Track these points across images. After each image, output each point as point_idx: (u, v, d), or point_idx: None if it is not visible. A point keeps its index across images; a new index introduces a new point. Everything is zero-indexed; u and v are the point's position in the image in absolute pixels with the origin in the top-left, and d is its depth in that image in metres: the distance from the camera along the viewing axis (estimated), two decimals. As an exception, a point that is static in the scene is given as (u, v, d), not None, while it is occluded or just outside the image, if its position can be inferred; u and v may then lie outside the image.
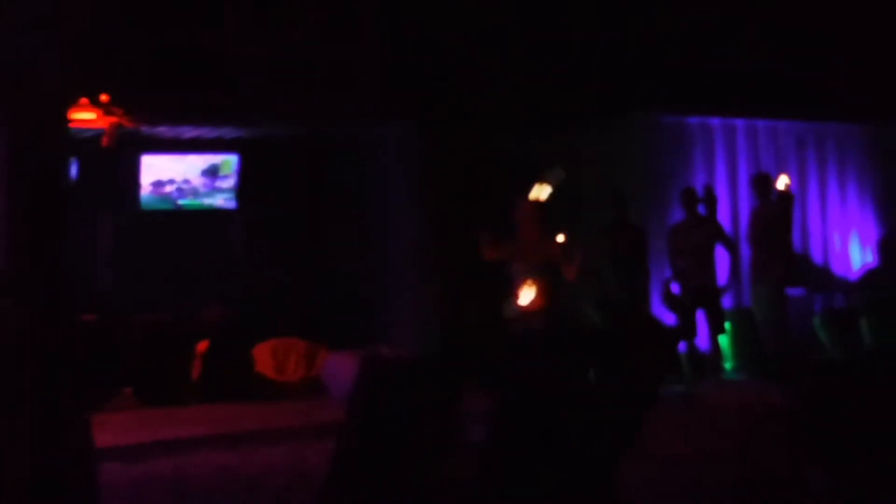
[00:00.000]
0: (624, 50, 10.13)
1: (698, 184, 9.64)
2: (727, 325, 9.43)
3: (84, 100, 8.24)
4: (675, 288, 9.02)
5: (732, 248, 9.29)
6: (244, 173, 10.32)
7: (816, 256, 10.84)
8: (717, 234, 9.08)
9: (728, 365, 9.72)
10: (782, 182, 9.40)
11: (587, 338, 4.81)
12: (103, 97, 8.45)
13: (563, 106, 9.55)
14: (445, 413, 3.78)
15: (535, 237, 7.34)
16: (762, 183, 9.38)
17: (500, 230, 8.37)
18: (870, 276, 10.82)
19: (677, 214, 9.30)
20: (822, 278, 10.79)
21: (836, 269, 10.95)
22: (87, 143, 8.55)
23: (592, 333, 5.93)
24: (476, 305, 9.47)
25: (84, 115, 8.36)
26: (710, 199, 9.31)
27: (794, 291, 9.78)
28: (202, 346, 9.30)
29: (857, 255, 10.97)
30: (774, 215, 9.29)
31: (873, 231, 10.98)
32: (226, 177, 10.32)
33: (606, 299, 8.90)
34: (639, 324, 5.65)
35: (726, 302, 9.46)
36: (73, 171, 8.42)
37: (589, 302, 8.65)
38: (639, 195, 9.53)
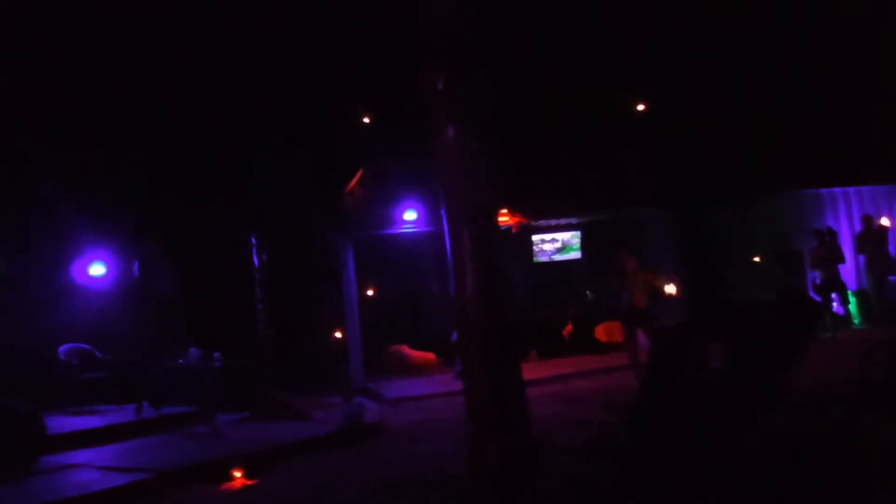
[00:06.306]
0: (788, 163, 12.75)
1: (824, 225, 12.74)
2: (853, 299, 12.39)
3: (504, 210, 12.11)
4: (817, 280, 12.07)
5: (843, 258, 12.15)
6: (584, 240, 14.22)
7: (905, 257, 13.05)
8: (836, 252, 12.15)
9: (856, 321, 12.50)
10: (883, 221, 12.77)
11: (773, 308, 6.30)
12: (513, 209, 12.47)
13: (754, 190, 12.61)
14: (698, 352, 4.94)
15: (634, 269, 9.05)
16: (867, 220, 12.82)
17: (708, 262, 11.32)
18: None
19: (813, 243, 12.37)
20: (906, 270, 12.81)
21: (912, 264, 12.91)
22: (505, 232, 12.07)
23: (775, 306, 7.05)
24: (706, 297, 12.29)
25: (504, 218, 12.04)
26: (831, 234, 12.39)
27: (892, 278, 12.45)
28: (568, 327, 13.60)
29: (930, 258, 13.13)
30: (877, 237, 12.57)
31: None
32: (576, 242, 14.27)
33: (782, 289, 11.05)
34: (800, 300, 8.17)
35: (852, 286, 12.36)
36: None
37: (769, 290, 11.18)
38: (794, 233, 12.78)
